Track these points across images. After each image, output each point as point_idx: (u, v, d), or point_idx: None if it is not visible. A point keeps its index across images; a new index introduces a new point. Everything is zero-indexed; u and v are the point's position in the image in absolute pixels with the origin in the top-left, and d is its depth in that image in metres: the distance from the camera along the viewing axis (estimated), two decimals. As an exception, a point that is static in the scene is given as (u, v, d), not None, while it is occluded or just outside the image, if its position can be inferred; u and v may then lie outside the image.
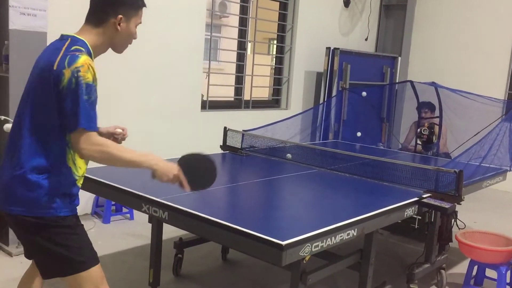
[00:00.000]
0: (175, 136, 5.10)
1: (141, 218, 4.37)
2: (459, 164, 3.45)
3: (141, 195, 2.55)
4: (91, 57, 1.94)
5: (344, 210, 2.75)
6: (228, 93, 6.16)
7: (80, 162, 1.96)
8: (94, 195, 4.50)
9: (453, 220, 3.65)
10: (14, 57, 3.50)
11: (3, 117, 3.52)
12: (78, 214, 2.02)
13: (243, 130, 4.16)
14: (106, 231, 4.31)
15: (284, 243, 1.96)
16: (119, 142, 2.34)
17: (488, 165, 3.87)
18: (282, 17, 6.53)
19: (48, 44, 3.81)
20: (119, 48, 2.08)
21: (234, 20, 6.21)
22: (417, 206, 2.91)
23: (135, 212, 4.62)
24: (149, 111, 4.93)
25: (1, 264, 3.49)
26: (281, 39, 6.58)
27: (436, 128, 5.33)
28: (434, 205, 2.93)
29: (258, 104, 6.35)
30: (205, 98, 5.63)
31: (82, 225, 2.01)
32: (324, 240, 2.18)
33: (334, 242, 2.25)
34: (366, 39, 7.52)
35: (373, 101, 6.54)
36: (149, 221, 3.26)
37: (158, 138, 4.88)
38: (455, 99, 5.11)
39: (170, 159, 3.60)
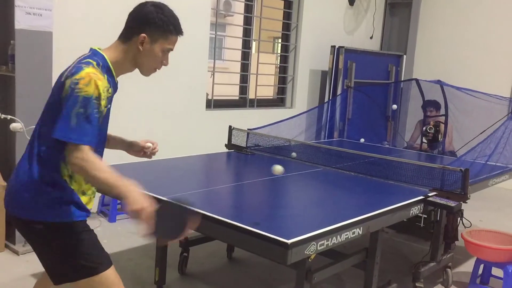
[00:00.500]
0: (180, 135, 5.11)
1: (146, 217, 4.38)
2: (465, 162, 3.44)
3: (147, 194, 2.55)
4: (108, 72, 1.90)
5: (349, 208, 2.75)
6: (233, 92, 6.17)
7: (78, 176, 1.90)
8: (99, 194, 4.52)
9: (459, 219, 3.64)
10: (20, 57, 3.52)
11: (9, 117, 3.53)
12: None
13: (248, 129, 4.16)
14: (112, 230, 4.33)
15: (289, 241, 1.96)
16: (149, 157, 2.36)
17: (494, 164, 3.85)
18: (287, 16, 6.52)
19: (53, 43, 3.84)
20: (143, 71, 2.02)
21: (239, 19, 6.21)
22: (422, 204, 2.90)
23: (141, 211, 4.63)
24: (154, 110, 4.94)
25: (8, 263, 3.51)
26: (286, 37, 6.58)
27: (442, 126, 5.31)
28: (440, 203, 2.92)
29: (263, 103, 6.35)
30: (210, 97, 5.63)
31: (91, 230, 1.99)
32: (330, 239, 2.18)
33: (340, 240, 2.24)
34: (371, 37, 7.50)
35: (378, 99, 6.52)
36: (155, 220, 3.26)
37: (163, 137, 4.86)
38: (461, 97, 5.10)
39: (176, 158, 3.62)
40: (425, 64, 7.50)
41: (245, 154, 3.96)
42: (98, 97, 1.79)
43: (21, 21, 3.49)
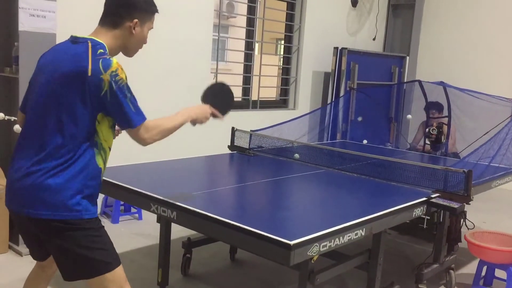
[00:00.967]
0: (183, 136, 5.08)
1: (149, 218, 4.39)
2: (468, 164, 3.43)
3: (150, 195, 2.56)
4: None
5: (352, 210, 2.75)
6: (235, 94, 6.15)
7: (107, 162, 2.01)
8: (103, 195, 4.52)
9: (462, 220, 3.63)
10: (24, 59, 3.53)
11: (13, 118, 3.54)
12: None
13: (251, 130, 4.17)
14: (115, 231, 4.33)
15: (292, 242, 1.96)
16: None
17: (497, 165, 3.85)
18: (290, 17, 6.52)
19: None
20: (131, 52, 2.11)
21: (242, 21, 6.22)
22: (425, 206, 2.90)
23: (144, 212, 4.64)
24: (156, 111, 4.89)
25: (11, 264, 3.52)
26: (288, 39, 6.59)
27: (445, 127, 5.30)
28: (442, 205, 2.92)
29: (265, 104, 6.35)
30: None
31: (104, 226, 2.01)
32: (332, 240, 2.18)
33: (342, 242, 2.25)
34: (374, 39, 7.50)
35: (381, 101, 6.52)
36: (158, 221, 3.27)
37: (166, 138, 4.89)
38: (464, 98, 5.09)
39: (178, 159, 3.63)
40: (428, 66, 7.49)
41: (248, 156, 3.96)
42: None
43: (25, 23, 3.50)
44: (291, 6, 6.49)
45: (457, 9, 7.29)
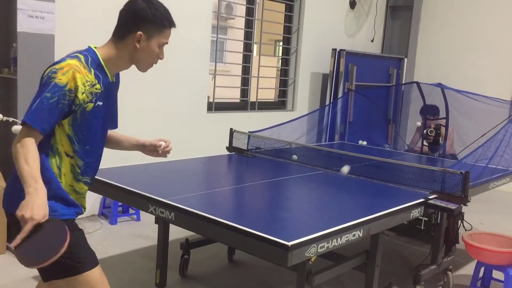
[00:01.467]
0: (181, 138, 5.09)
1: (147, 219, 4.39)
2: (465, 165, 3.44)
3: (148, 196, 2.57)
4: (98, 68, 1.90)
5: (350, 211, 2.76)
6: (234, 95, 6.18)
7: (65, 168, 1.90)
8: (101, 196, 4.52)
9: (459, 222, 3.64)
10: (22, 59, 3.54)
11: (11, 119, 3.55)
12: (85, 215, 2.02)
13: (249, 132, 4.17)
14: (113, 232, 4.33)
15: (290, 243, 1.96)
16: (163, 155, 2.35)
17: (494, 167, 3.85)
18: (288, 19, 6.53)
19: (55, 46, 3.85)
20: (141, 67, 2.03)
21: (240, 22, 6.22)
22: (423, 207, 2.91)
23: (142, 213, 4.64)
24: (155, 113, 4.95)
25: (9, 265, 3.51)
26: (287, 40, 6.59)
27: (443, 129, 5.31)
28: (440, 206, 2.92)
29: (264, 106, 6.36)
30: (211, 100, 5.64)
31: (81, 229, 1.99)
32: (330, 241, 2.19)
33: (340, 243, 2.25)
34: (372, 41, 7.51)
35: (379, 102, 6.53)
36: (156, 222, 3.28)
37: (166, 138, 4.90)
38: (462, 100, 5.10)
39: (177, 160, 3.63)
40: (426, 67, 7.51)
41: (246, 157, 3.96)
42: (73, 89, 1.79)
43: (23, 24, 3.51)
44: (289, 8, 6.50)
45: (455, 11, 7.31)
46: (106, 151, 2.11)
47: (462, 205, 3.03)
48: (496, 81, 6.83)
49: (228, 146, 4.15)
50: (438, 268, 3.45)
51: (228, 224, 2.19)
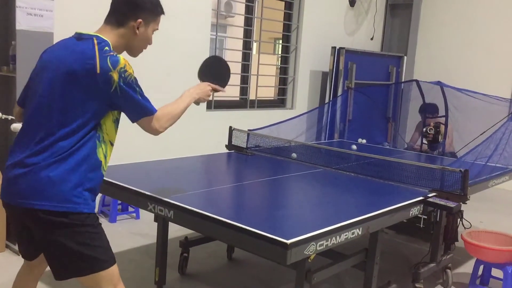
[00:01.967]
0: (181, 136, 5.11)
1: (147, 217, 4.39)
2: (465, 163, 3.44)
3: (147, 194, 2.57)
4: None
5: (349, 209, 2.76)
6: (233, 93, 6.17)
7: (108, 157, 2.04)
8: (100, 194, 4.52)
9: (458, 220, 3.64)
10: (21, 57, 3.52)
11: (10, 117, 3.54)
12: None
13: (249, 130, 4.17)
14: (112, 230, 4.33)
15: (289, 241, 1.96)
16: None
17: (494, 165, 3.85)
18: (288, 17, 6.53)
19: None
20: (135, 52, 2.14)
21: (240, 20, 6.22)
22: (422, 205, 2.91)
23: (141, 211, 4.64)
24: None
25: (9, 263, 3.51)
26: (286, 38, 6.59)
27: (442, 127, 5.31)
28: (439, 204, 2.92)
29: (263, 104, 6.35)
30: (210, 98, 5.63)
31: (101, 224, 2.01)
32: (329, 239, 2.19)
33: (339, 241, 2.25)
34: (371, 39, 7.51)
35: (379, 100, 6.53)
36: (155, 220, 3.27)
37: (164, 138, 4.85)
38: (461, 98, 5.10)
39: (176, 158, 3.63)
40: (425, 65, 7.51)
41: (246, 155, 3.96)
42: None
43: (22, 22, 3.50)
44: (289, 6, 6.49)
45: (454, 9, 7.30)
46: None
47: (461, 203, 3.03)
48: (495, 79, 6.83)
49: (227, 144, 4.15)
50: (437, 266, 3.45)
51: (227, 222, 2.19)
